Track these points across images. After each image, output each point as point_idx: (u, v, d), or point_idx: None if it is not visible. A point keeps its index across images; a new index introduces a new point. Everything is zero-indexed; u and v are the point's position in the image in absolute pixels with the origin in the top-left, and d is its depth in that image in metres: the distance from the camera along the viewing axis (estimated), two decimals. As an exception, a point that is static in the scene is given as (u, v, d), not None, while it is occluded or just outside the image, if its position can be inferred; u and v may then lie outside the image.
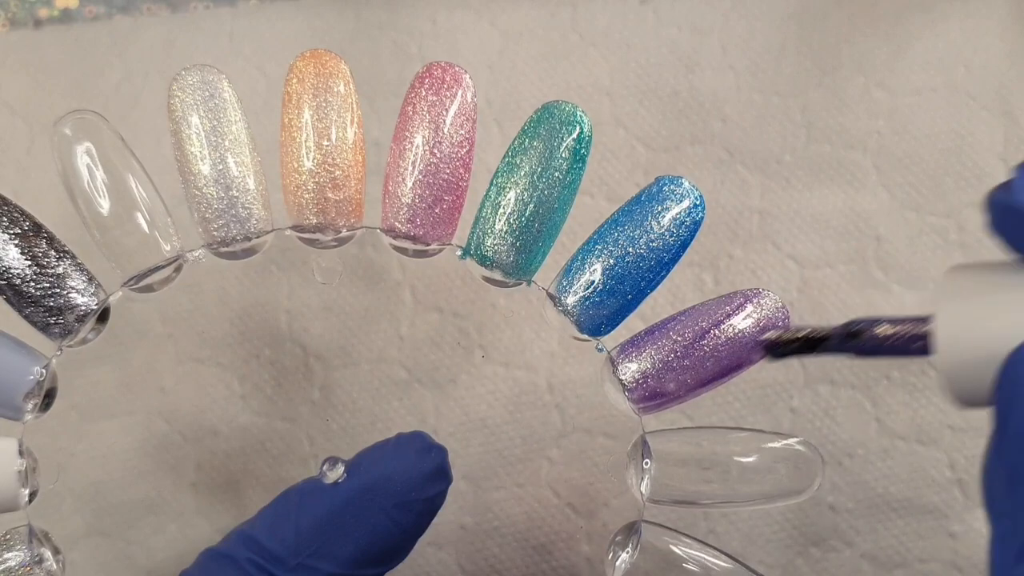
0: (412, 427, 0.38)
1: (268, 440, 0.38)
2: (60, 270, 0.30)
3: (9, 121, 0.40)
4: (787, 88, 0.41)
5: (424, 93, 0.31)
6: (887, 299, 0.39)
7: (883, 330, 0.27)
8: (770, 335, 0.30)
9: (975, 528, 0.38)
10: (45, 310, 0.30)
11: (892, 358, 0.27)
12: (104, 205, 0.30)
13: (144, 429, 0.38)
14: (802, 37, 0.41)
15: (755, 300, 0.31)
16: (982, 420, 0.38)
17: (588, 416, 0.38)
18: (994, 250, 0.39)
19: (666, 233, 0.31)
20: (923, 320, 0.26)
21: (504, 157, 0.31)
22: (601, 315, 0.31)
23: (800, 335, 0.29)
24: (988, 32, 0.41)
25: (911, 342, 0.26)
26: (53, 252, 0.30)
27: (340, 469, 0.29)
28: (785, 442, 0.31)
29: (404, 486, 0.29)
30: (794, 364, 0.38)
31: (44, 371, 0.30)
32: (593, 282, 0.31)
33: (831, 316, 0.39)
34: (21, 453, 0.29)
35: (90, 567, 0.37)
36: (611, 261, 0.31)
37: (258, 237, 0.31)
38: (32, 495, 0.29)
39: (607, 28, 0.41)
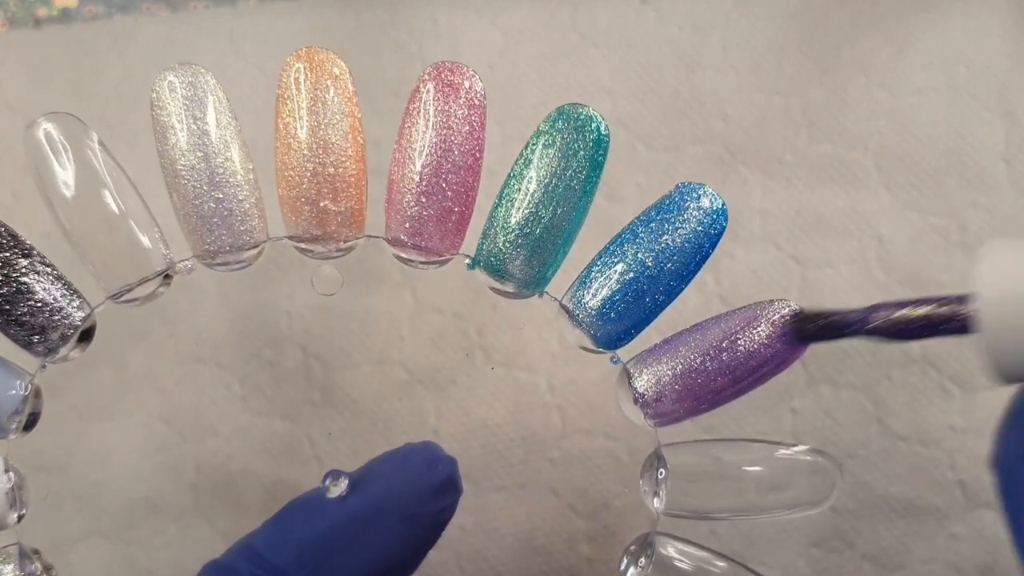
0: (413, 428, 0.38)
1: (268, 440, 0.38)
2: (42, 286, 0.28)
3: (9, 121, 0.40)
4: (788, 88, 0.41)
5: (430, 96, 0.29)
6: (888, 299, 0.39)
7: (914, 312, 0.26)
8: (795, 315, 0.29)
9: (977, 529, 0.38)
10: (27, 329, 0.28)
11: (926, 338, 0.26)
12: (85, 214, 0.28)
13: (144, 430, 0.38)
14: (803, 37, 0.41)
15: (773, 310, 0.29)
16: (984, 421, 0.38)
17: (589, 417, 0.38)
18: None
19: (687, 245, 0.29)
20: (959, 299, 0.25)
21: (516, 164, 0.30)
22: (618, 329, 0.30)
23: (827, 317, 0.28)
24: (990, 32, 0.41)
25: (948, 320, 0.25)
26: (35, 268, 0.28)
27: (344, 483, 0.28)
28: (801, 453, 0.30)
29: (412, 500, 0.28)
30: (795, 365, 0.38)
31: (28, 388, 0.28)
32: (610, 296, 0.29)
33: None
34: (7, 471, 0.28)
35: (90, 568, 0.37)
36: (630, 274, 0.29)
37: (252, 248, 0.29)
38: (20, 515, 0.28)
39: (608, 28, 0.41)
